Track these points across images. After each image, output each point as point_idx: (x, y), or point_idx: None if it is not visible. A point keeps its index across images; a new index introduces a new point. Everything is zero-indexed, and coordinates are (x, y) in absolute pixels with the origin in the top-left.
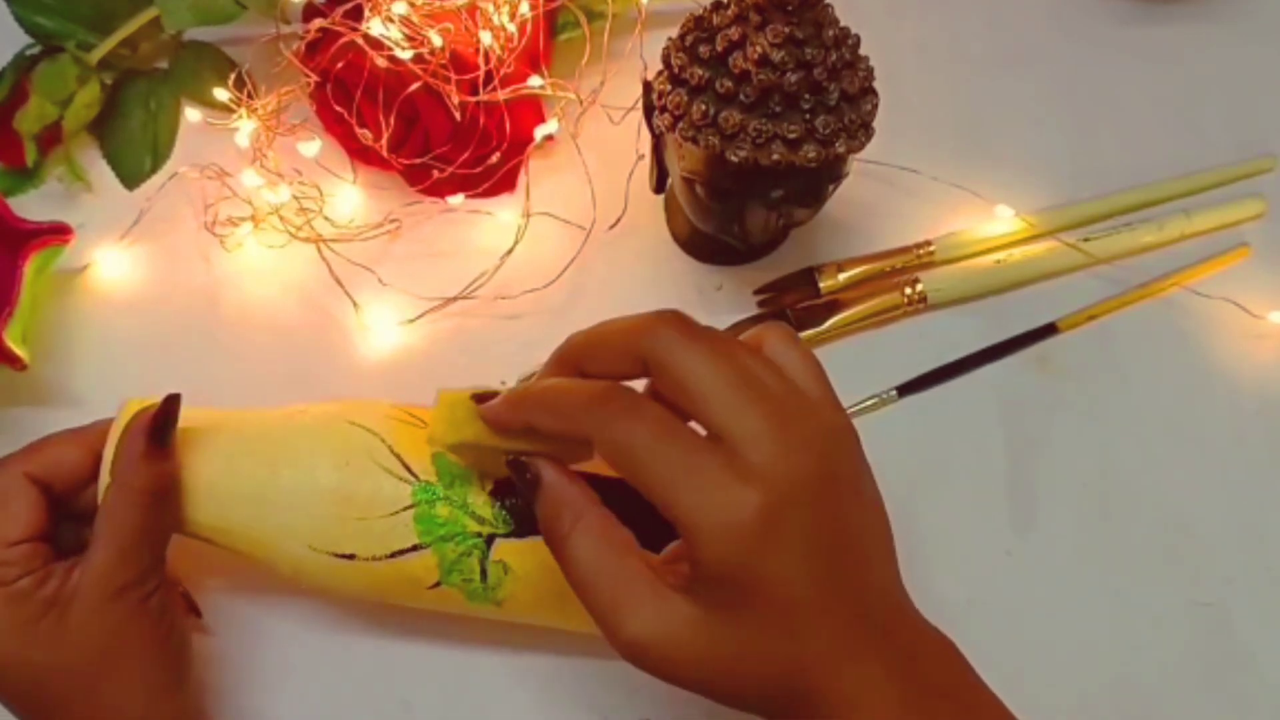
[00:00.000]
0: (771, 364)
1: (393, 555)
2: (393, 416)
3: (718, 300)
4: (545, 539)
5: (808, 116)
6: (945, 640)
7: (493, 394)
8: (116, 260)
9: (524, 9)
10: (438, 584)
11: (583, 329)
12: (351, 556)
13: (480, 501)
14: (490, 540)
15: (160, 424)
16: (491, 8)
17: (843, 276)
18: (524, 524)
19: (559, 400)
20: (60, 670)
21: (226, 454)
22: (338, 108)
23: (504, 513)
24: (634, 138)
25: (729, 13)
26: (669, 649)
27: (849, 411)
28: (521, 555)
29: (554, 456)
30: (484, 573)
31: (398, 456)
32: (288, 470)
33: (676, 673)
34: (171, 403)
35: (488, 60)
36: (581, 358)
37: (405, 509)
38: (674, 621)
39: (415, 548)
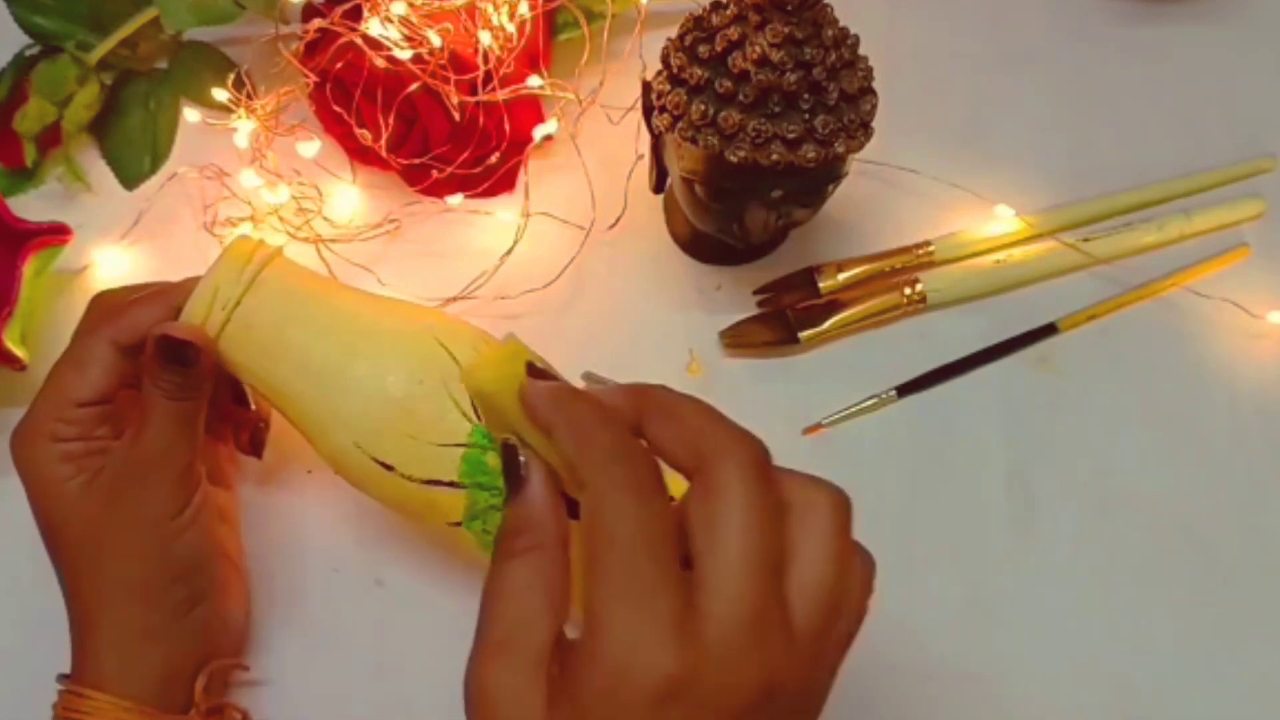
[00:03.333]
0: (848, 580)
1: (428, 482)
2: (477, 348)
3: (717, 300)
4: (495, 543)
5: (807, 116)
6: None
7: (546, 375)
8: (116, 261)
9: (523, 9)
10: (458, 524)
11: (676, 395)
12: (390, 468)
13: None
14: None
15: (174, 349)
16: (490, 8)
17: (842, 276)
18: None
19: (590, 432)
20: (78, 526)
21: (314, 323)
22: (337, 108)
23: None
24: (633, 138)
25: (728, 13)
26: (499, 715)
27: (848, 413)
28: None
29: (557, 473)
30: None
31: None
32: (364, 364)
33: None
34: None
35: (487, 60)
36: (647, 415)
37: (458, 445)
38: (520, 701)
39: (452, 484)
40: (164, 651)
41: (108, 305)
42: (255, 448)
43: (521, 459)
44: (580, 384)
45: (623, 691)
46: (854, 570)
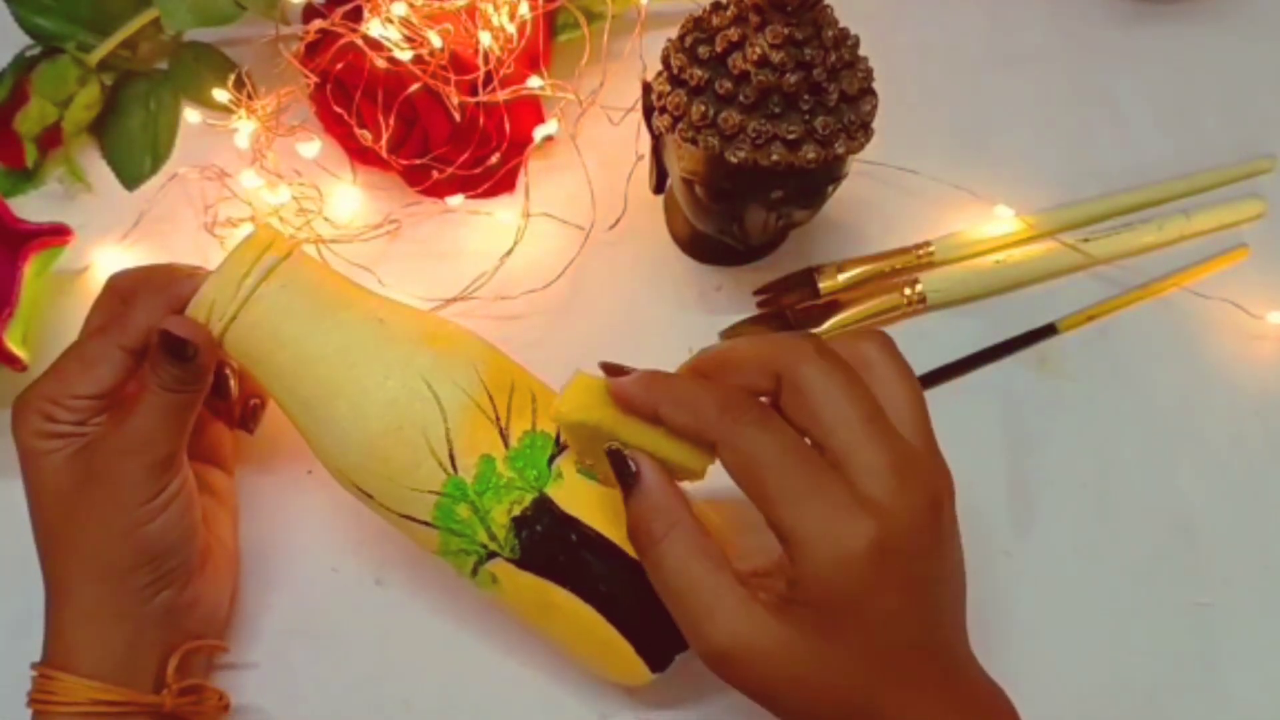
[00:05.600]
0: (918, 392)
1: (404, 516)
2: (474, 397)
3: (717, 301)
4: (634, 541)
5: (807, 117)
6: (1002, 694)
7: (626, 371)
8: (117, 261)
9: (523, 10)
10: (434, 552)
11: (722, 345)
12: (370, 496)
13: (501, 521)
14: (492, 555)
15: (177, 346)
16: (491, 9)
17: (842, 277)
18: (530, 559)
19: (694, 396)
20: (51, 499)
21: (304, 351)
22: (337, 108)
23: (516, 540)
24: (633, 138)
25: (728, 14)
26: (753, 663)
27: None
28: (514, 579)
29: (657, 459)
30: (474, 571)
31: (450, 443)
32: (345, 404)
33: (755, 686)
34: (184, 334)
35: (487, 61)
36: (717, 370)
37: (431, 492)
38: (762, 637)
39: (425, 523)
40: (127, 632)
41: (121, 290)
42: (245, 423)
43: (628, 455)
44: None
45: (844, 570)
46: (915, 380)
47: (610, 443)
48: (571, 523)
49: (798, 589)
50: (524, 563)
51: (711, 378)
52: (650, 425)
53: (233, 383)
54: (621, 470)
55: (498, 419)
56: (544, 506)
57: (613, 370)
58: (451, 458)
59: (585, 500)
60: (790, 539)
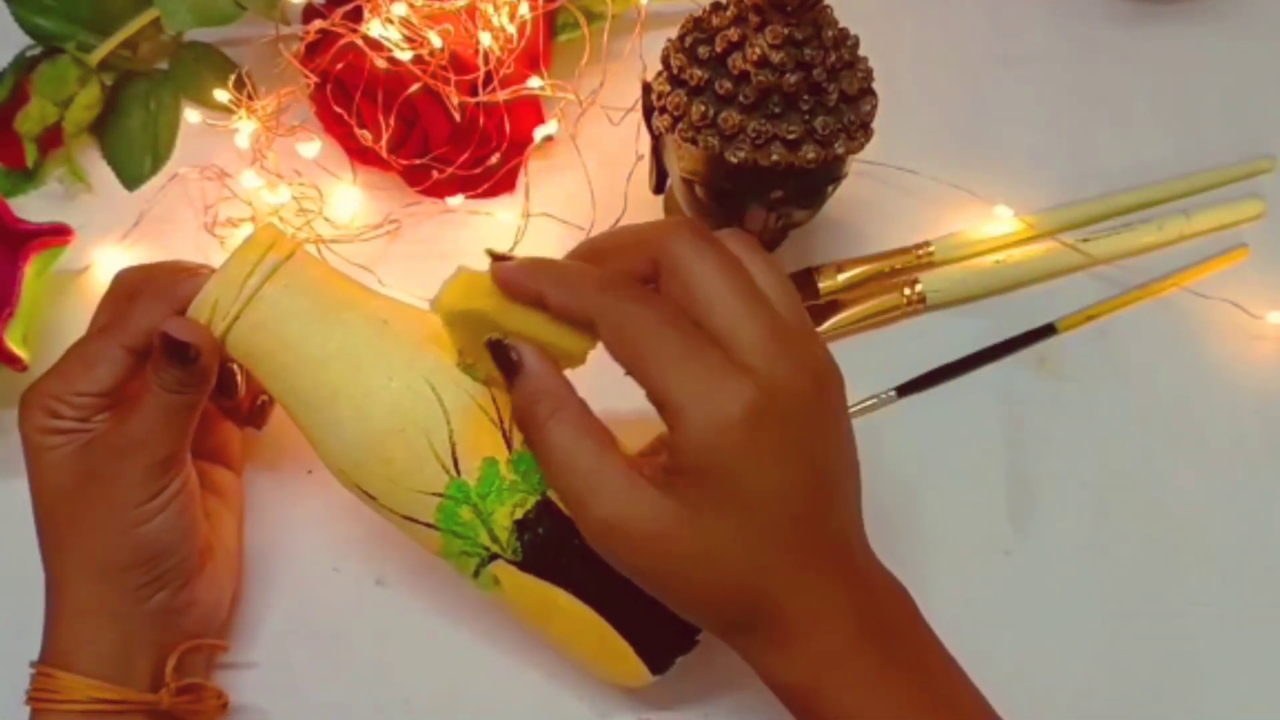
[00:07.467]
0: (788, 283)
1: (406, 518)
2: (477, 399)
3: None
4: (520, 425)
5: (807, 117)
6: (901, 587)
7: (510, 258)
8: (117, 261)
9: (523, 10)
10: (436, 554)
11: (605, 233)
12: (372, 498)
13: (505, 524)
14: (494, 557)
15: (178, 349)
16: (491, 9)
17: (842, 277)
18: (534, 561)
19: (574, 277)
20: (51, 495)
21: (305, 352)
22: (337, 109)
23: (519, 543)
24: (633, 138)
25: (728, 14)
26: (636, 535)
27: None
28: (516, 581)
29: (539, 347)
30: (476, 573)
31: (453, 445)
32: (348, 406)
33: (643, 563)
34: (185, 336)
35: (487, 61)
36: (597, 256)
37: (433, 494)
38: (646, 511)
39: (429, 525)
40: (121, 631)
41: (126, 287)
42: (253, 420)
43: (509, 344)
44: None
45: (721, 433)
46: (783, 273)
47: (491, 334)
48: (574, 526)
49: (677, 455)
50: (526, 565)
51: (594, 256)
52: (532, 312)
53: (239, 379)
54: (503, 359)
55: (501, 421)
56: (546, 509)
57: (498, 258)
58: (455, 460)
59: None
60: (667, 404)
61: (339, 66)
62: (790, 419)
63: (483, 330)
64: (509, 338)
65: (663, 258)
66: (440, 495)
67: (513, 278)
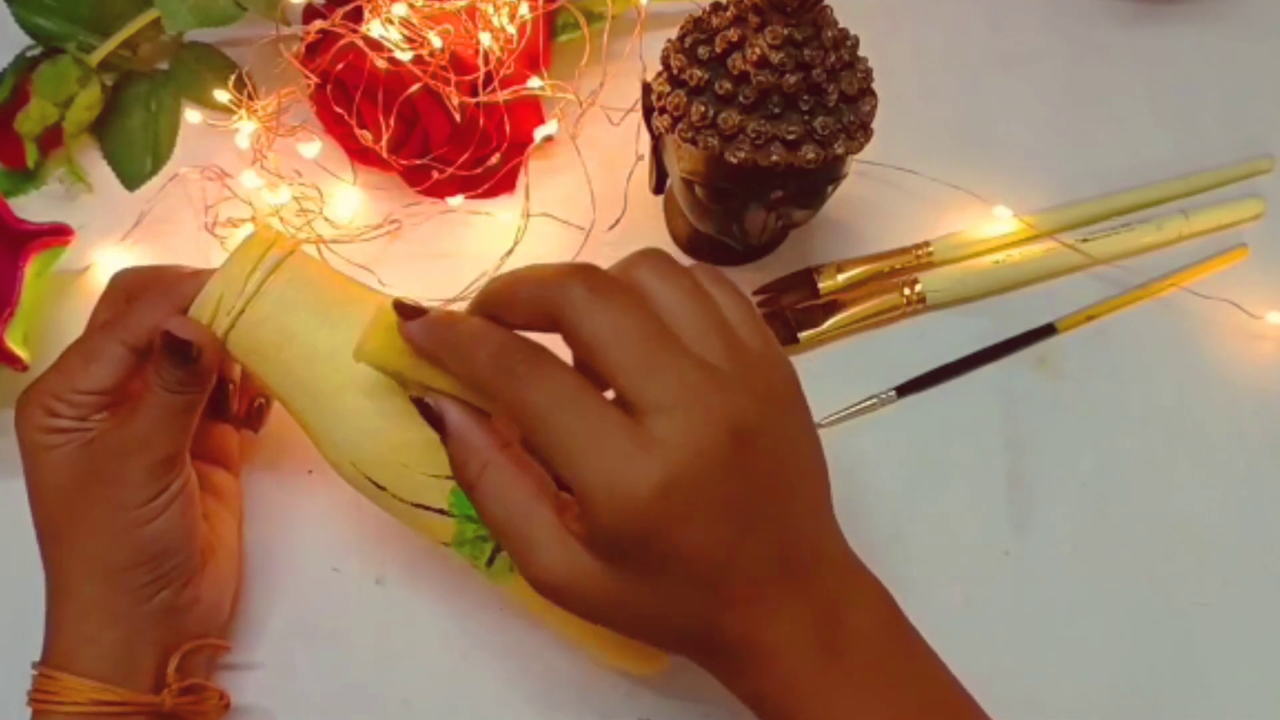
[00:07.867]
0: (709, 304)
1: (418, 505)
2: None
3: None
4: (458, 482)
5: (807, 118)
6: (876, 585)
7: (418, 310)
8: (118, 261)
9: (523, 10)
10: (447, 544)
11: (506, 277)
12: (382, 488)
13: None
14: None
15: (180, 348)
16: (491, 9)
17: (842, 277)
18: None
19: (468, 346)
20: (52, 495)
21: (310, 345)
22: (338, 109)
23: None
24: (633, 139)
25: (728, 14)
26: (575, 592)
27: (848, 413)
28: None
29: (462, 400)
30: (491, 560)
31: None
32: (356, 396)
33: (583, 611)
34: (186, 336)
35: (487, 61)
36: (497, 307)
37: (449, 478)
38: (579, 572)
39: (441, 511)
40: (123, 632)
41: (126, 287)
42: (250, 422)
43: (430, 404)
44: None
45: (631, 517)
46: (706, 291)
47: (415, 388)
48: None
49: (593, 534)
50: None
51: (494, 314)
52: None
53: (234, 400)
54: (429, 417)
55: None
56: (421, 405)
57: (406, 312)
58: None
59: None
60: (575, 490)
61: (339, 67)
62: (711, 475)
63: (407, 378)
64: (429, 394)
65: (558, 313)
66: (452, 477)
67: (416, 341)
